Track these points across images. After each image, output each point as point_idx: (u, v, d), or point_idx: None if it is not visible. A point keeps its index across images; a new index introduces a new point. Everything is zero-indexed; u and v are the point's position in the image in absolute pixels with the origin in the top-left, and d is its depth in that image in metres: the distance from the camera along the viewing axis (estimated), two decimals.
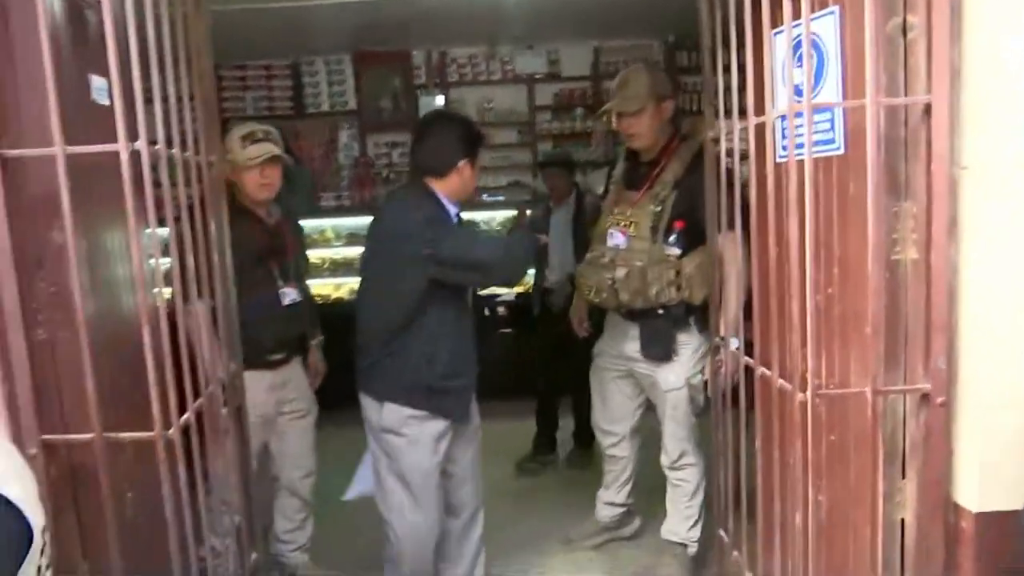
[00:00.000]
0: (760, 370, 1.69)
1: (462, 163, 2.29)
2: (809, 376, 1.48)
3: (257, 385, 2.45)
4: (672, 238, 2.46)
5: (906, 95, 1.49)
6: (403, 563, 2.35)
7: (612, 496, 2.97)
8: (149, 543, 1.60)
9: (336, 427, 2.99)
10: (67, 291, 1.48)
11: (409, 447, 2.25)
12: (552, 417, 3.98)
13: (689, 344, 2.52)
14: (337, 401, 2.82)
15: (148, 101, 1.52)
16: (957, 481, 1.48)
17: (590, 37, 5.94)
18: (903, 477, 1.56)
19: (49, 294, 1.52)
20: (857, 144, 1.53)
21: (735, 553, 1.97)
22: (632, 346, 2.62)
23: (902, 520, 1.57)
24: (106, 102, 1.68)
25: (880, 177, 1.44)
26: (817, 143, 1.64)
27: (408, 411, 2.23)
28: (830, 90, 1.61)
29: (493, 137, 5.98)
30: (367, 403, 2.32)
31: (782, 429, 1.60)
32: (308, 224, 5.42)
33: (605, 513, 3.01)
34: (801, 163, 1.44)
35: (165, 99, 1.63)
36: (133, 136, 1.45)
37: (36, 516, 1.00)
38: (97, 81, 1.68)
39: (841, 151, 1.59)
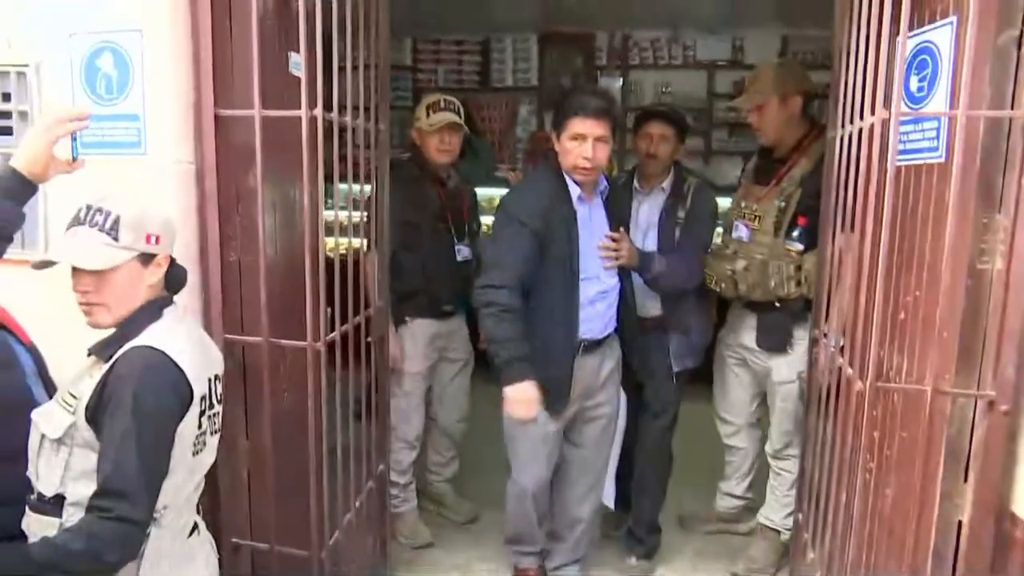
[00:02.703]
0: (839, 361, 1.78)
1: (553, 134, 2.35)
2: (871, 366, 1.56)
3: (425, 331, 2.83)
4: (795, 234, 2.50)
5: (1013, 108, 1.51)
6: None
7: (731, 487, 3.03)
8: (299, 436, 1.97)
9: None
10: (255, 225, 1.87)
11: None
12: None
13: (805, 339, 2.49)
14: None
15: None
16: (1018, 491, 1.52)
17: (779, 24, 5.81)
18: (965, 481, 1.60)
19: (241, 226, 1.92)
20: (962, 154, 1.57)
21: (805, 535, 2.07)
22: (749, 336, 2.69)
23: (960, 522, 1.62)
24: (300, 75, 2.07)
25: (968, 186, 1.50)
26: (921, 150, 1.69)
27: None
28: (939, 99, 1.65)
29: None
30: None
31: (846, 416, 1.69)
32: (484, 192, 5.85)
33: (723, 504, 3.07)
34: (885, 169, 1.52)
35: (342, 70, 1.97)
36: (313, 104, 1.80)
37: (197, 385, 1.37)
38: (295, 57, 2.05)
39: (943, 159, 1.63)
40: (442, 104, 2.86)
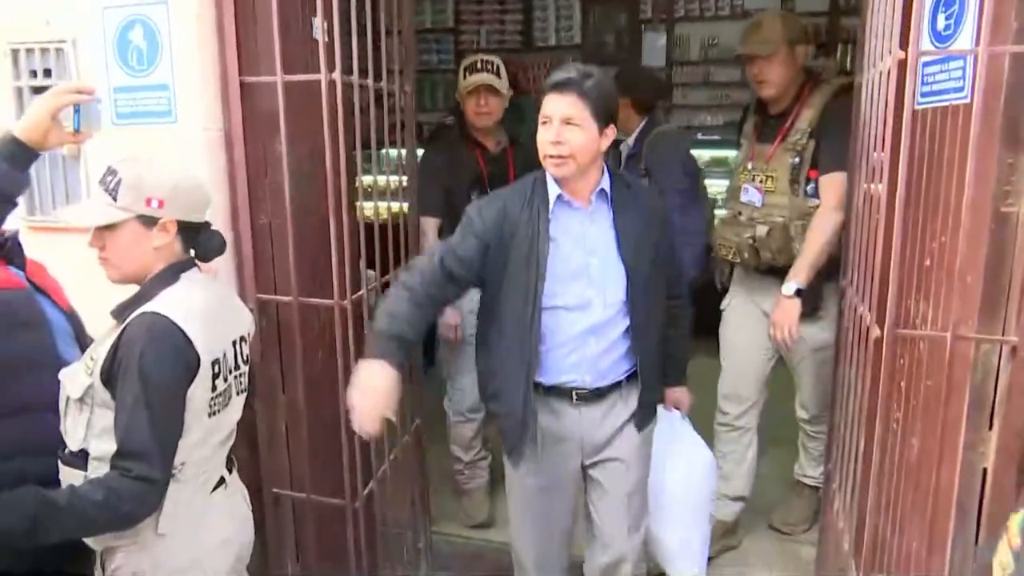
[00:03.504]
0: (861, 309, 1.75)
1: None
2: (890, 313, 1.54)
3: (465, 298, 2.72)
4: (809, 188, 2.39)
5: None
6: None
7: (734, 486, 2.69)
8: (333, 390, 2.04)
9: None
10: (283, 188, 1.94)
11: None
12: None
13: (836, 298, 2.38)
14: None
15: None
16: None
17: None
18: (990, 428, 1.57)
19: (271, 189, 1.99)
20: (985, 94, 1.52)
21: (833, 485, 2.06)
22: (772, 302, 2.45)
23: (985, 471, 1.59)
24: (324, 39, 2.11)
25: (991, 125, 1.45)
26: (947, 91, 1.63)
27: None
28: (966, 37, 1.58)
29: (714, 75, 5.94)
30: None
31: (866, 364, 1.67)
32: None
33: (727, 511, 2.70)
34: (901, 111, 1.48)
35: (363, 34, 2.00)
36: (331, 67, 1.84)
37: (206, 350, 1.42)
38: (317, 22, 2.09)
39: (968, 100, 1.58)
40: (479, 65, 2.79)
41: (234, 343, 1.52)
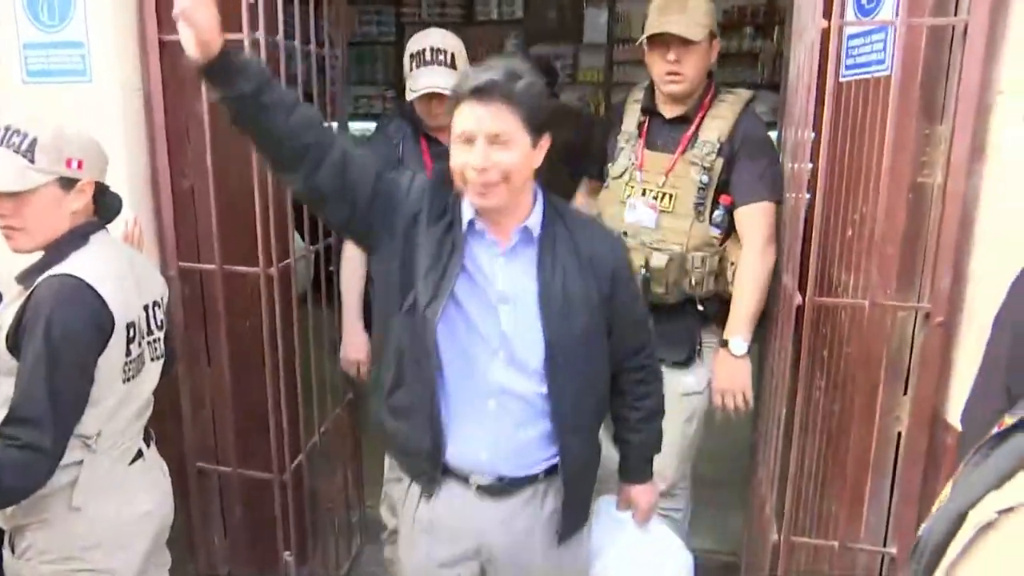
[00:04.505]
0: (785, 279, 1.79)
1: None
2: (811, 282, 1.57)
3: None
4: (716, 215, 1.99)
5: (956, 15, 1.49)
6: None
7: None
8: (260, 362, 1.99)
9: None
10: (205, 152, 1.86)
11: None
12: None
13: (713, 345, 2.09)
14: None
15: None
16: (951, 400, 1.54)
17: None
18: (905, 393, 1.63)
19: (193, 153, 1.91)
20: (903, 65, 1.55)
21: (759, 452, 2.11)
22: (669, 352, 2.02)
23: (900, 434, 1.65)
24: None
25: (909, 97, 1.49)
26: (869, 64, 1.67)
27: None
28: (888, 8, 1.62)
29: None
30: None
31: (786, 332, 1.70)
32: None
33: None
34: (823, 83, 1.51)
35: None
36: (254, 26, 1.77)
37: (121, 313, 1.37)
38: None
39: (889, 72, 1.61)
40: (428, 56, 2.10)
41: (146, 307, 1.47)
